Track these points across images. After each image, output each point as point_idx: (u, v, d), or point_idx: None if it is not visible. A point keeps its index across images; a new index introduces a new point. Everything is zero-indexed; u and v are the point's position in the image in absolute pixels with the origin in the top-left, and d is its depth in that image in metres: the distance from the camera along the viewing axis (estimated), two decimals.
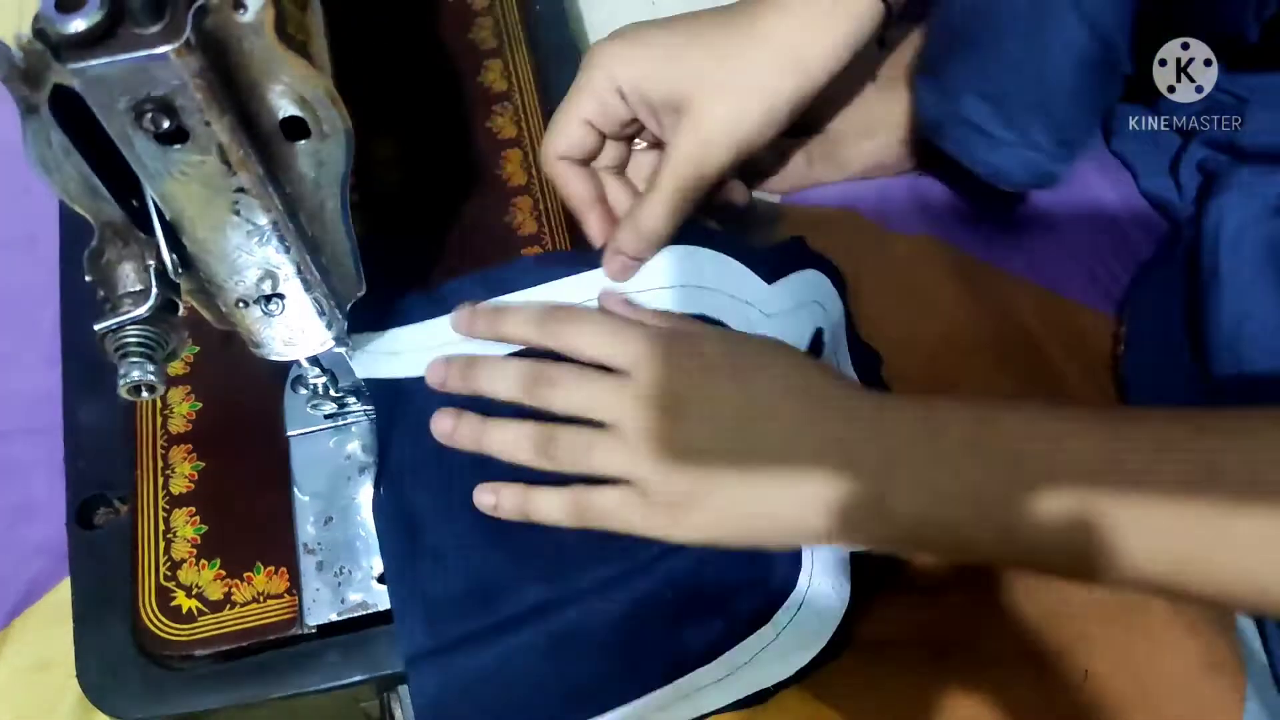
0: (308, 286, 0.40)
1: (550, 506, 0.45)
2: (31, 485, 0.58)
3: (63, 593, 0.54)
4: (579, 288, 0.49)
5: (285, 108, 0.34)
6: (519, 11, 0.61)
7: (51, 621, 0.54)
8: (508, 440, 0.45)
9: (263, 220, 0.36)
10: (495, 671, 0.45)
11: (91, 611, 0.47)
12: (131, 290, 0.36)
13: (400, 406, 0.48)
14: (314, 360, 0.47)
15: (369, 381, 0.48)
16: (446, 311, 0.48)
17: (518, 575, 0.46)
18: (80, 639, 0.46)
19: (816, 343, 0.51)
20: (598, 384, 0.44)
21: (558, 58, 0.61)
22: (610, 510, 0.44)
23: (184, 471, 0.49)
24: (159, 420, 0.51)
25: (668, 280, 0.49)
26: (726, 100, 0.45)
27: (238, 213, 0.35)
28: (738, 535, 0.43)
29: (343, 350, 0.46)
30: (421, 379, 0.48)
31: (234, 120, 0.32)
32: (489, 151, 0.57)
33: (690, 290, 0.49)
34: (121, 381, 0.36)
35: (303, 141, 0.35)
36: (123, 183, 0.34)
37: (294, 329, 0.42)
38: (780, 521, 0.42)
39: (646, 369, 0.43)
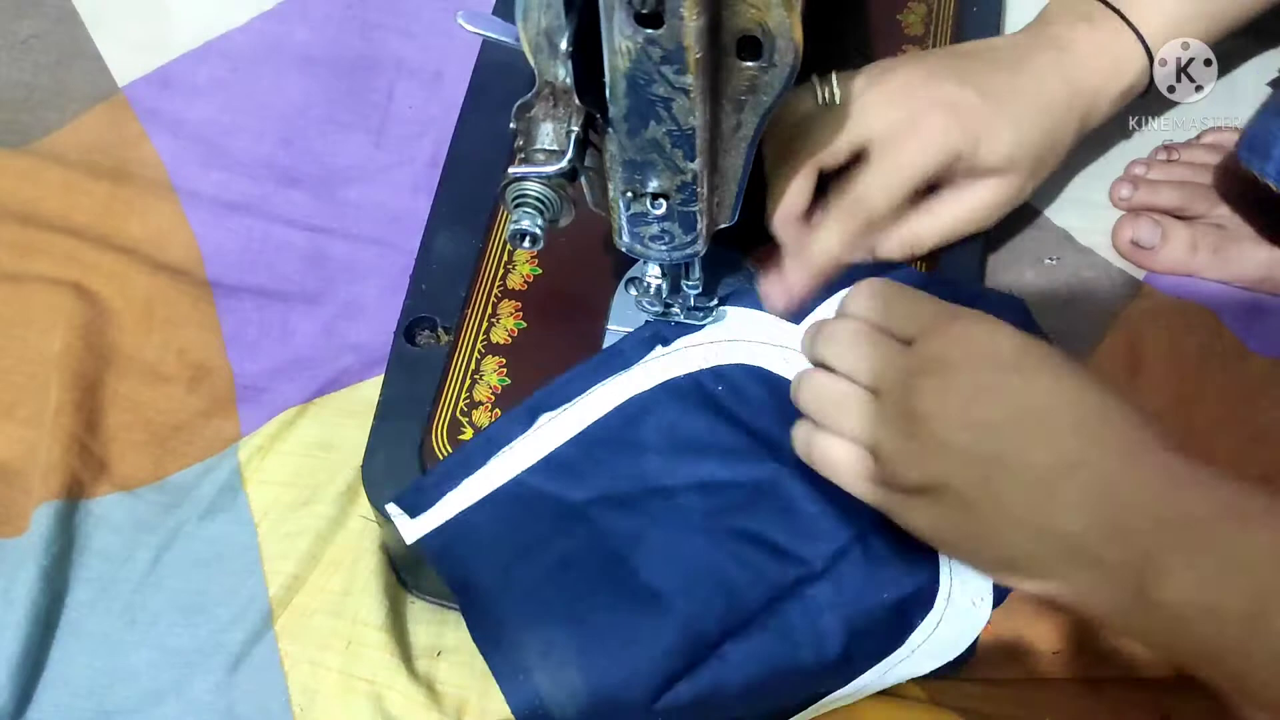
0: (692, 199, 0.42)
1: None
2: (366, 288, 0.63)
3: (362, 390, 0.60)
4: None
5: (748, 28, 0.35)
6: (955, 6, 0.61)
7: (346, 412, 0.58)
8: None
9: (687, 124, 0.37)
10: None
11: (392, 417, 0.51)
12: (548, 148, 0.38)
13: None
14: (659, 266, 0.49)
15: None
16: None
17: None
18: (375, 435, 0.51)
19: None
20: (875, 347, 0.43)
21: None
22: (838, 465, 0.43)
23: (507, 325, 0.53)
24: (501, 272, 0.54)
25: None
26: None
27: (669, 110, 0.37)
28: (962, 548, 0.41)
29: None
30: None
31: (706, 24, 0.34)
32: None
33: None
34: (512, 227, 0.39)
35: (750, 64, 0.37)
36: (583, 49, 0.36)
37: (660, 232, 0.44)
38: (1010, 556, 0.39)
39: (929, 341, 0.42)
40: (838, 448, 0.43)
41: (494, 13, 0.63)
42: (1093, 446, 0.38)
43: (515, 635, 0.46)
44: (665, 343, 0.50)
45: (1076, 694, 0.49)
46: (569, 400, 0.50)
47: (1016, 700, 0.49)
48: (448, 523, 0.48)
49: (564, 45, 0.36)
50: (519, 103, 0.39)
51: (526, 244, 0.39)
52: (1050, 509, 0.38)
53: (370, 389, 0.58)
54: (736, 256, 0.53)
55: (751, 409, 0.50)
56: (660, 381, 0.50)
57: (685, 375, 0.50)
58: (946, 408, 0.40)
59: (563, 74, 0.37)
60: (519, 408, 0.50)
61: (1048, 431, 0.39)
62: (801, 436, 0.45)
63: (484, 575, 0.47)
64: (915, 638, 0.46)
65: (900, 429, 0.41)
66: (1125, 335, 0.59)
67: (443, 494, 0.49)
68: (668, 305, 0.51)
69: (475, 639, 0.47)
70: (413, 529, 0.48)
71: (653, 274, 0.49)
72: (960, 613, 0.47)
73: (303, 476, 0.57)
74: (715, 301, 0.51)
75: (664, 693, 0.44)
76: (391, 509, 0.48)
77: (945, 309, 0.44)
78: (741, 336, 0.51)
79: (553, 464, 0.49)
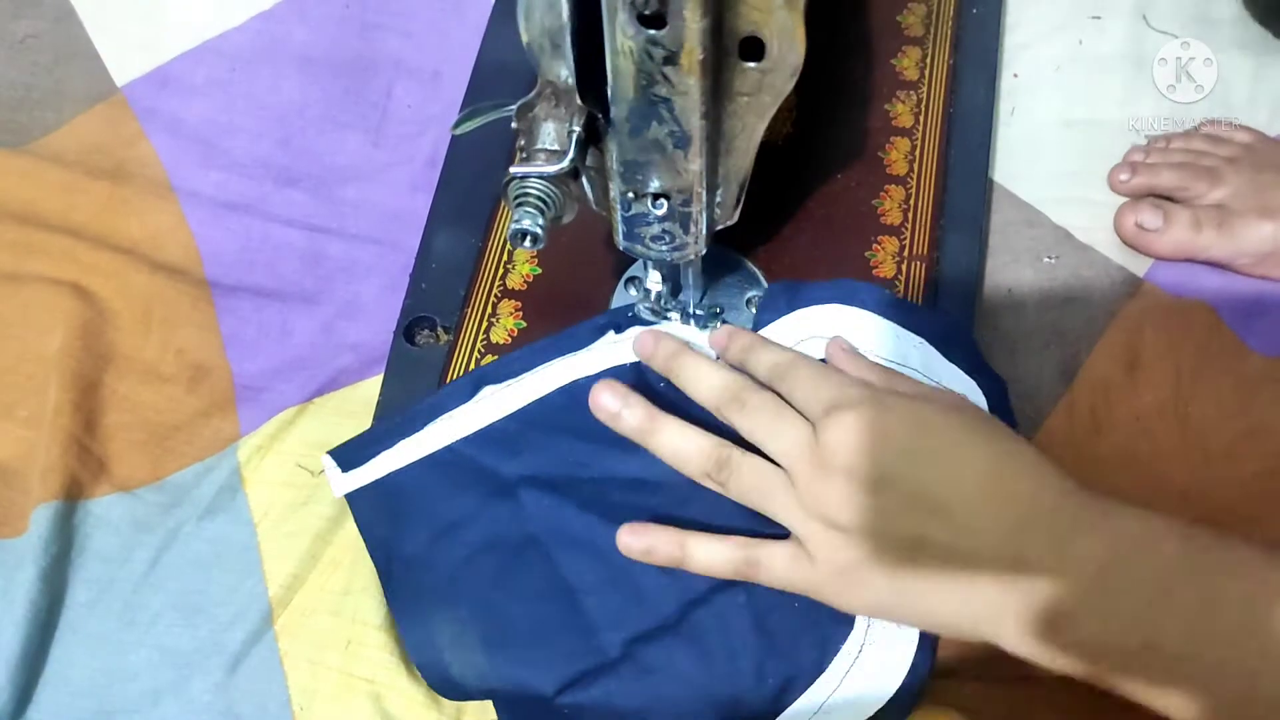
0: (693, 199, 0.42)
1: (711, 557, 0.44)
2: (364, 288, 0.63)
3: (361, 390, 0.59)
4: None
5: (750, 29, 0.35)
6: (955, 7, 0.61)
7: (344, 411, 0.58)
8: (680, 446, 0.44)
9: (688, 125, 0.37)
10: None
11: (391, 415, 0.51)
12: (549, 148, 0.38)
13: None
14: (659, 266, 0.49)
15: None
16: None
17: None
18: None
19: None
20: (791, 425, 0.42)
21: (974, 64, 0.60)
22: (780, 570, 0.43)
23: (506, 325, 0.53)
24: (500, 271, 0.54)
25: (879, 351, 0.49)
26: None
27: (670, 111, 0.37)
28: (912, 619, 0.42)
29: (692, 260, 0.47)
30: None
31: (709, 25, 0.34)
32: (879, 133, 0.57)
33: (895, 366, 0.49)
34: (513, 226, 0.39)
35: (753, 64, 0.37)
36: (585, 49, 0.36)
37: (660, 232, 0.44)
38: (952, 616, 0.40)
39: (845, 425, 0.41)
40: (776, 552, 0.43)
41: (495, 13, 0.63)
42: (1015, 511, 0.40)
43: (430, 612, 0.47)
44: (618, 330, 0.50)
45: (1071, 693, 0.49)
46: (514, 376, 0.50)
47: (1011, 700, 0.49)
48: (377, 481, 0.49)
49: (566, 45, 0.36)
50: (521, 102, 0.39)
51: (528, 243, 0.39)
52: (977, 571, 0.39)
53: (369, 389, 0.58)
54: (737, 259, 0.53)
55: (694, 409, 0.48)
56: (607, 367, 0.49)
57: (630, 364, 0.49)
58: (874, 491, 0.40)
59: (565, 74, 0.37)
60: (463, 377, 0.50)
61: (968, 507, 0.40)
62: (669, 548, 0.44)
63: (407, 545, 0.48)
64: (839, 664, 0.45)
65: (822, 516, 0.41)
66: (1124, 333, 0.59)
67: (377, 452, 0.49)
68: (665, 310, 0.51)
69: (391, 606, 0.48)
70: (343, 483, 0.49)
71: (653, 281, 0.49)
72: (888, 633, 0.45)
73: (302, 476, 0.56)
74: (718, 310, 0.51)
75: (568, 689, 0.45)
76: (325, 459, 0.49)
77: (862, 390, 0.43)
78: (695, 339, 0.50)
79: (489, 436, 0.49)
